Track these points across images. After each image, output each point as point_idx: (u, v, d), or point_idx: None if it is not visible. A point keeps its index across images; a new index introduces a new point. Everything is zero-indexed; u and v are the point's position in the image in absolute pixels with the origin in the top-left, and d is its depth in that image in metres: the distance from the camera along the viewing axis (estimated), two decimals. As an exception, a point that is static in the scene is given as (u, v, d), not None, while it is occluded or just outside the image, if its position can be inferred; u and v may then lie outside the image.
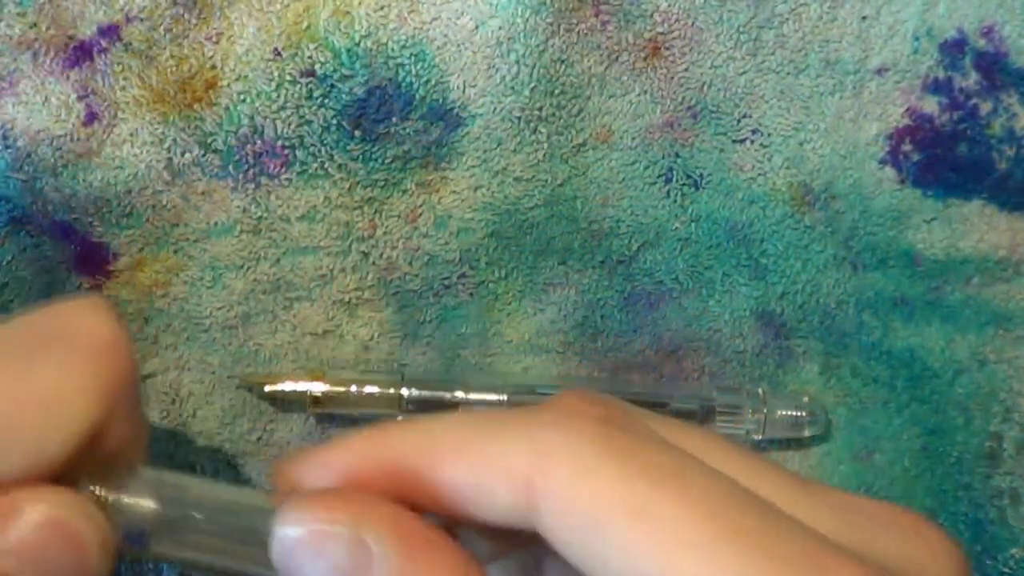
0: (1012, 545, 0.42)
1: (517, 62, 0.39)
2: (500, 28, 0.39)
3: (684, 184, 0.40)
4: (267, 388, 0.37)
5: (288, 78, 0.38)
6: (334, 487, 0.24)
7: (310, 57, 0.38)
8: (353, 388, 0.37)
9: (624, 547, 0.21)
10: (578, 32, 0.39)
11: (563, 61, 0.39)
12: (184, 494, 0.25)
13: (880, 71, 0.40)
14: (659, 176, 0.40)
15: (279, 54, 0.38)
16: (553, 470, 0.22)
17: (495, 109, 0.39)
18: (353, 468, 0.24)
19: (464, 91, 0.39)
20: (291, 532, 0.22)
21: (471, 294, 0.39)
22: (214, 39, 0.37)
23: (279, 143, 0.38)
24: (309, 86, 0.38)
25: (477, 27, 0.39)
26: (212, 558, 0.24)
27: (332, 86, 0.38)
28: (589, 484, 0.22)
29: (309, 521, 0.22)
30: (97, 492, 0.24)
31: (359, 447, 0.24)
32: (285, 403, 0.38)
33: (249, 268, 0.38)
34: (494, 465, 0.23)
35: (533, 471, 0.22)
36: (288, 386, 0.37)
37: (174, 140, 0.37)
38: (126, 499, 0.24)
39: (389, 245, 0.38)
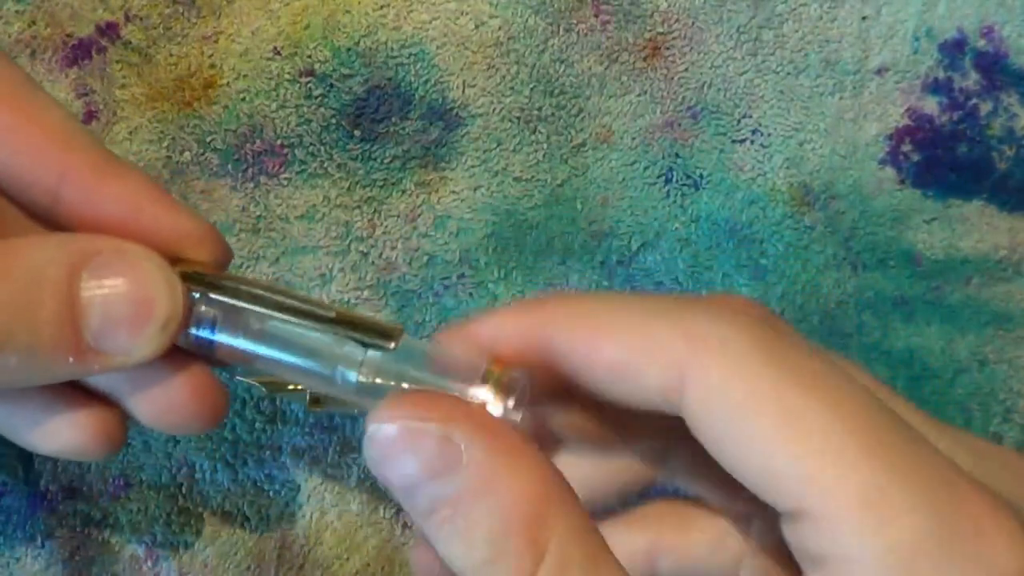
0: (1012, 546, 0.41)
1: (517, 62, 0.39)
2: (500, 28, 0.39)
3: (684, 184, 0.40)
4: (267, 388, 0.37)
5: (287, 77, 0.38)
6: (426, 389, 0.25)
7: (309, 56, 0.38)
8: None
9: (767, 447, 0.22)
10: (578, 32, 0.39)
11: (563, 61, 0.39)
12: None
13: (880, 71, 0.40)
14: (659, 176, 0.40)
15: (278, 53, 0.38)
16: (707, 359, 0.22)
17: (495, 109, 0.39)
18: (503, 341, 0.25)
19: (464, 91, 0.39)
20: (384, 428, 0.23)
21: (471, 294, 0.39)
22: (213, 38, 0.37)
23: (278, 142, 0.38)
24: (308, 85, 0.38)
25: (477, 27, 0.39)
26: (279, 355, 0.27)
27: (331, 85, 0.38)
28: (742, 379, 0.22)
29: (402, 418, 0.23)
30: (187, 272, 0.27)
31: (511, 320, 0.25)
32: (285, 402, 0.38)
33: (248, 267, 0.38)
34: (649, 346, 0.23)
35: (687, 357, 0.23)
36: (288, 386, 0.37)
37: (173, 139, 0.37)
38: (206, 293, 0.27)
39: (388, 245, 0.38)
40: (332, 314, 0.27)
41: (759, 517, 0.29)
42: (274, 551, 0.38)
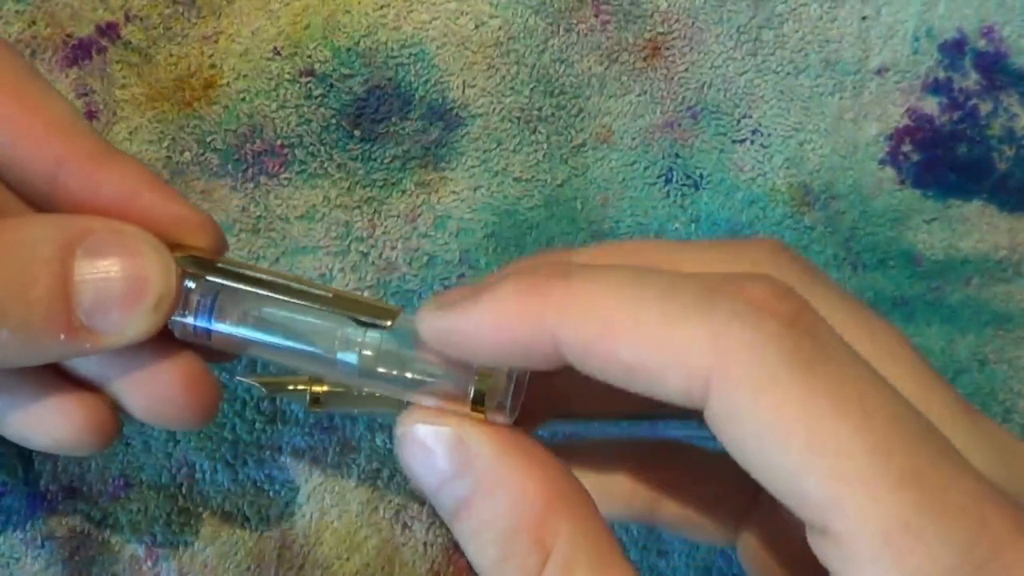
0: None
1: (517, 62, 0.39)
2: (500, 28, 0.39)
3: (684, 184, 0.40)
4: (267, 388, 0.37)
5: (287, 77, 0.38)
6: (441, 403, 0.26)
7: (309, 56, 0.38)
8: (354, 388, 0.37)
9: (794, 470, 0.21)
10: (578, 32, 0.39)
11: (563, 61, 0.39)
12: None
13: (880, 71, 0.40)
14: (659, 176, 0.40)
15: (278, 53, 0.38)
16: (734, 373, 0.21)
17: (495, 109, 0.39)
18: (510, 335, 0.23)
19: (464, 91, 0.39)
20: (410, 431, 0.25)
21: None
22: (213, 38, 0.37)
23: (278, 142, 0.38)
24: (308, 85, 0.38)
25: (477, 27, 0.39)
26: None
27: (331, 85, 0.38)
28: (770, 398, 0.21)
29: (420, 423, 0.25)
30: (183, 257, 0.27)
31: (512, 308, 0.23)
32: (285, 402, 0.38)
33: (248, 268, 0.38)
34: (671, 351, 0.22)
35: (712, 368, 0.21)
36: (288, 386, 0.37)
37: (173, 139, 0.37)
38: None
39: (388, 245, 0.38)
40: (329, 295, 0.27)
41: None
42: (274, 551, 0.38)
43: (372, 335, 0.26)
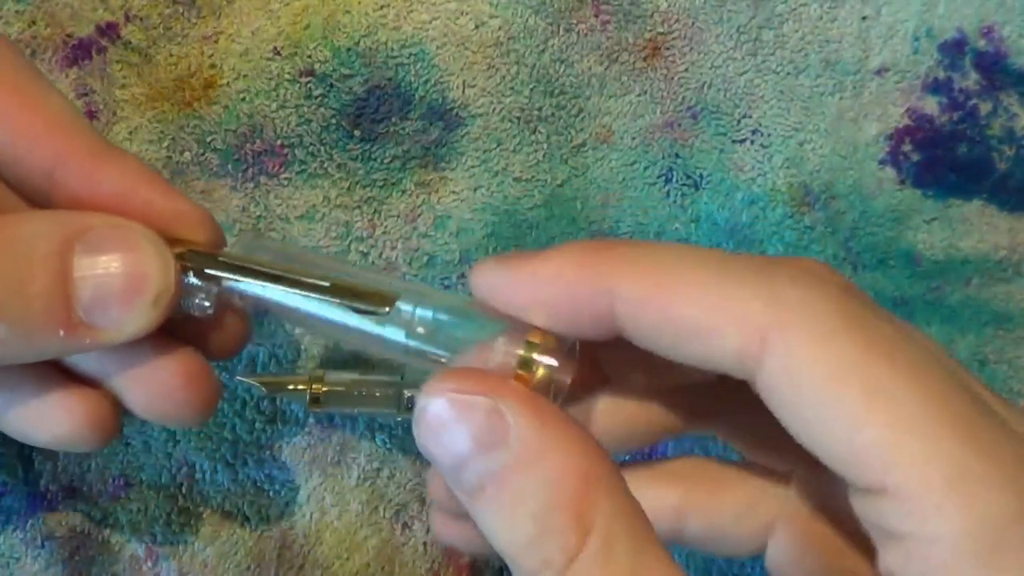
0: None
1: (517, 62, 0.39)
2: (500, 28, 0.39)
3: (684, 184, 0.40)
4: (267, 388, 0.37)
5: (287, 77, 0.38)
6: (473, 368, 0.25)
7: (309, 56, 0.38)
8: (354, 388, 0.37)
9: (853, 420, 0.21)
10: (578, 32, 0.39)
11: (563, 61, 0.39)
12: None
13: (880, 71, 0.40)
14: (659, 176, 0.40)
15: (278, 53, 0.38)
16: (793, 327, 0.22)
17: (495, 109, 0.39)
18: (567, 288, 0.24)
19: (464, 91, 0.39)
20: (434, 401, 0.23)
21: (471, 294, 0.39)
22: (213, 38, 0.37)
23: (278, 142, 0.38)
24: (308, 85, 0.38)
25: (477, 27, 0.39)
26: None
27: (331, 85, 0.38)
28: (829, 349, 0.21)
29: (451, 391, 0.23)
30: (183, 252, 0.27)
31: (570, 266, 0.24)
32: (285, 402, 0.38)
33: (248, 268, 0.38)
34: (730, 309, 0.22)
35: (771, 324, 0.22)
36: (288, 386, 0.37)
37: (173, 139, 0.37)
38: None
39: (388, 245, 0.38)
40: (327, 283, 0.27)
41: (797, 478, 0.28)
42: (274, 551, 0.38)
43: (423, 312, 0.27)
